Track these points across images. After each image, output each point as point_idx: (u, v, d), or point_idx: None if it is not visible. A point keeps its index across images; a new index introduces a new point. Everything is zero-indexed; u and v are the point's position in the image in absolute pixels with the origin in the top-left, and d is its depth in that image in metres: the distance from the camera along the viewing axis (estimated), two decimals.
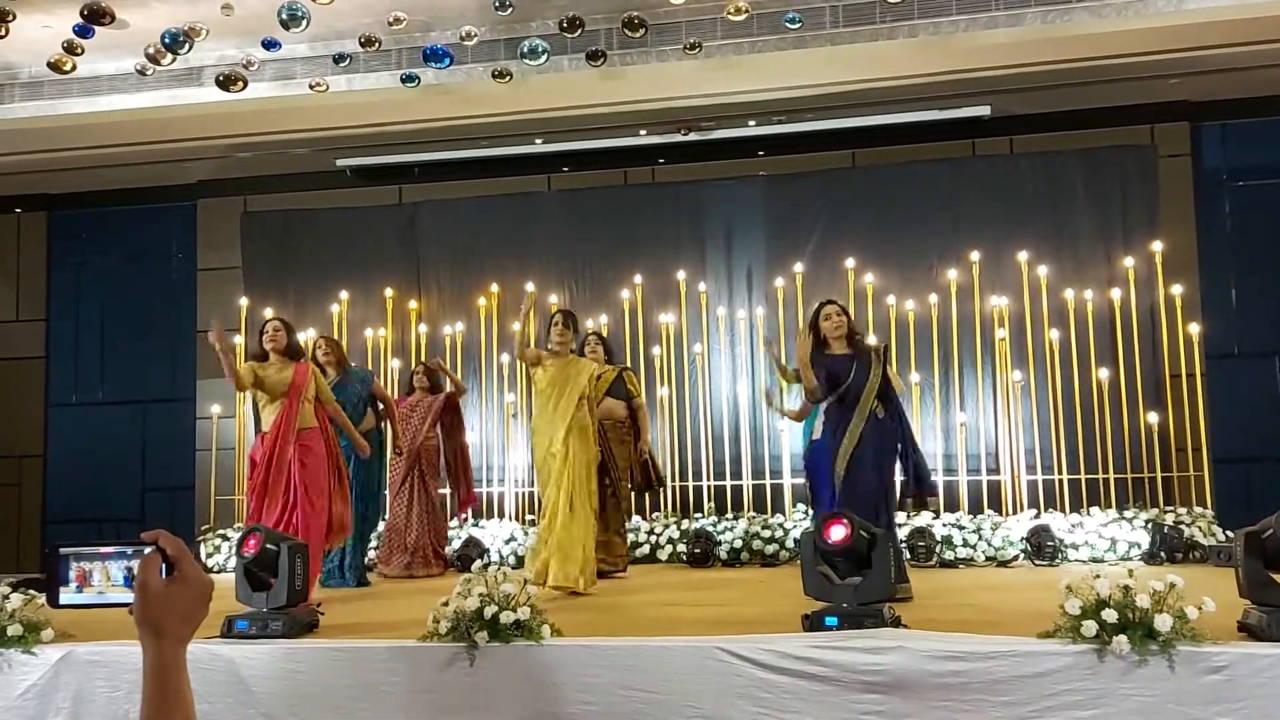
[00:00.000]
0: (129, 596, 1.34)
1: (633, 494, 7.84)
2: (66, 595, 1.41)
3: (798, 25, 7.45)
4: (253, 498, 6.30)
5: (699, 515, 8.76)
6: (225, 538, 8.77)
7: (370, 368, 9.51)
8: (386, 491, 8.01)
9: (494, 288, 9.70)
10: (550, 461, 6.32)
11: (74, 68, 7.34)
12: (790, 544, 8.01)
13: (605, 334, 8.54)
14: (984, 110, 8.83)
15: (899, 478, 6.05)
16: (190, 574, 1.32)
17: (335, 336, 7.82)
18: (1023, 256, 8.84)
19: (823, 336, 6.10)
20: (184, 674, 1.28)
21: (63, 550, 1.41)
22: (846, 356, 6.02)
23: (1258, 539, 4.06)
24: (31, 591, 4.84)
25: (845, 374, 5.96)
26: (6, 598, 4.68)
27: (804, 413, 7.14)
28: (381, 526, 8.02)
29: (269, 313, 9.56)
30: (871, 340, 6.24)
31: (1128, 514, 7.97)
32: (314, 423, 6.54)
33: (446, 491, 8.49)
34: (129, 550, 1.40)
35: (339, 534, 6.68)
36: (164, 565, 1.32)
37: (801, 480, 8.71)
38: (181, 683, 1.27)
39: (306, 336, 9.05)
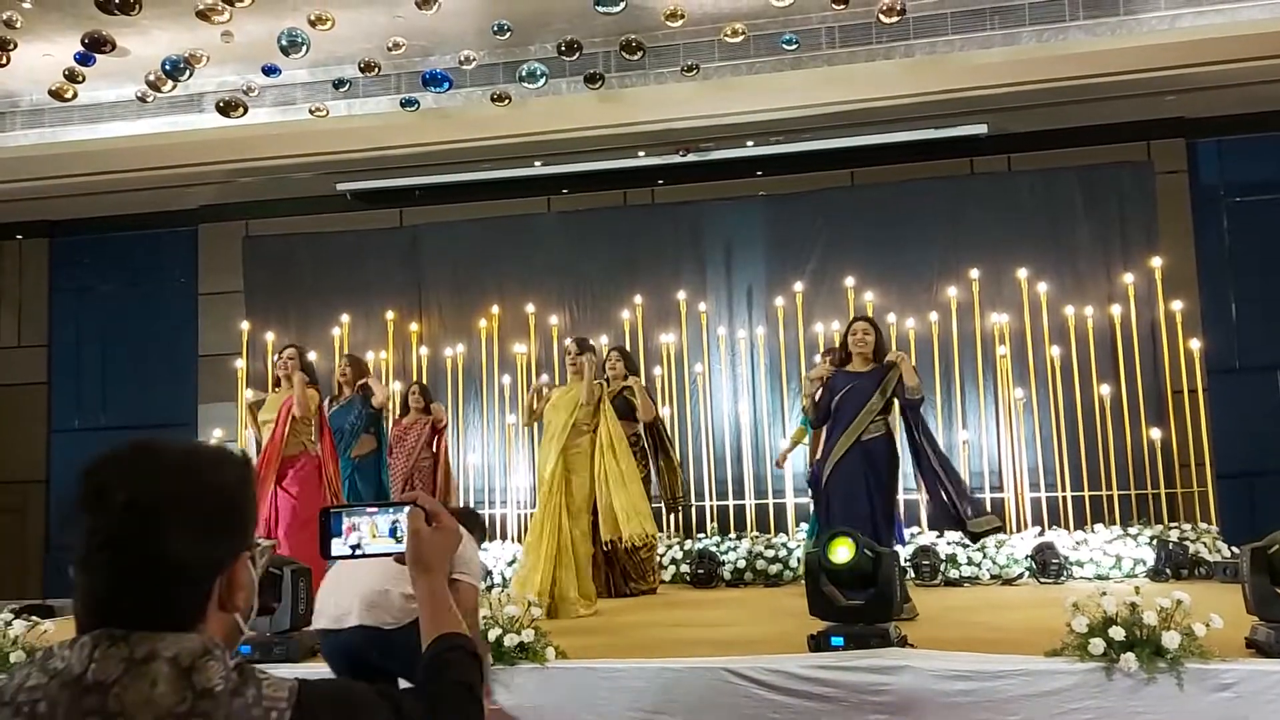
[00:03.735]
0: (391, 547, 1.64)
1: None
2: (337, 545, 1.66)
3: (794, 46, 7.49)
4: None
5: (702, 535, 8.74)
6: None
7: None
8: None
9: (495, 309, 9.71)
10: (541, 488, 6.63)
11: (75, 95, 7.38)
12: (794, 563, 7.98)
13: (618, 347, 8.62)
14: (981, 129, 8.87)
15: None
16: (447, 523, 1.62)
17: (348, 359, 7.90)
18: (1022, 274, 8.85)
19: (849, 353, 6.12)
20: (450, 596, 1.60)
21: (333, 510, 1.68)
22: (861, 374, 6.03)
23: (1264, 555, 4.05)
24: (34, 618, 4.82)
25: (845, 388, 5.98)
26: (9, 624, 4.67)
27: (799, 436, 7.26)
28: None
29: (270, 336, 9.60)
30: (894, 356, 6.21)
31: (1132, 530, 7.95)
32: (308, 449, 6.61)
33: None
34: (390, 509, 1.66)
35: None
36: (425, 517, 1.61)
37: (804, 499, 8.72)
38: (450, 601, 1.58)
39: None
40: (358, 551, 1.66)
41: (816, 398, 6.14)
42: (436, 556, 1.60)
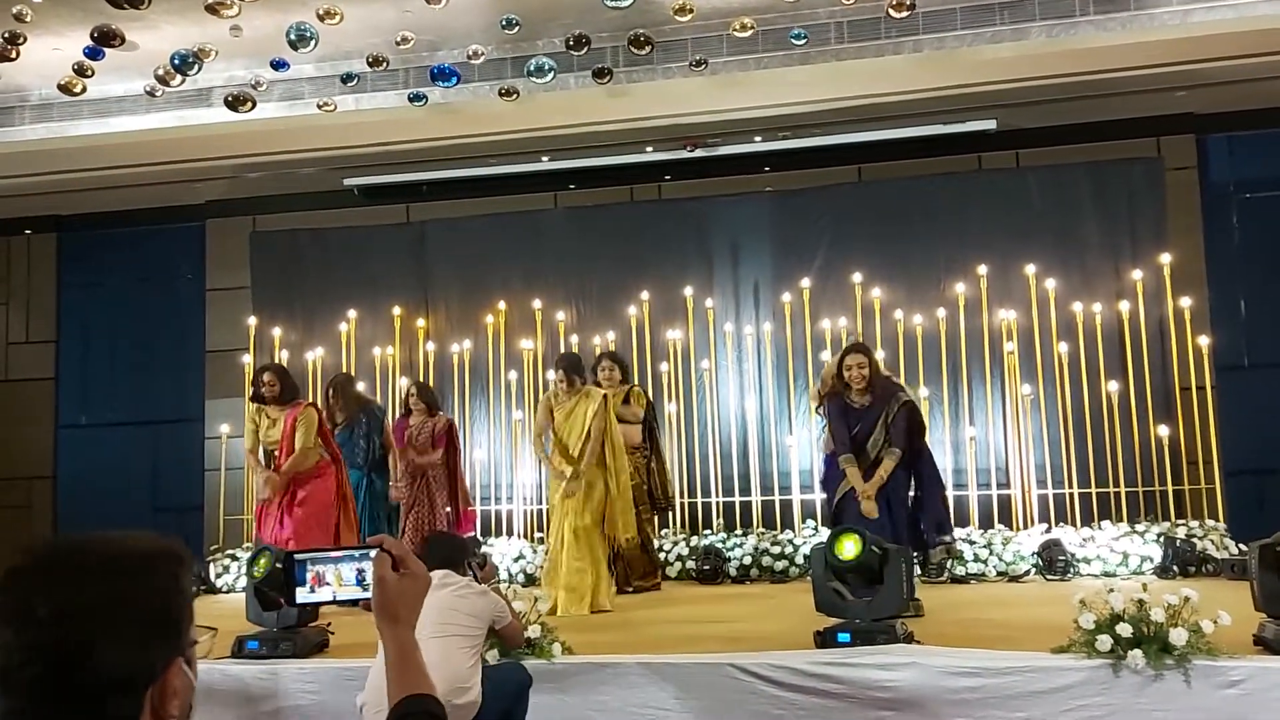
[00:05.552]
0: (358, 594, 1.58)
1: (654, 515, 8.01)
2: (302, 595, 1.59)
3: (803, 41, 7.46)
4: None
5: (708, 532, 8.73)
6: (234, 557, 8.75)
7: (377, 387, 9.54)
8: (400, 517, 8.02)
9: (501, 305, 9.71)
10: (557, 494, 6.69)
11: (84, 90, 7.39)
12: (800, 560, 7.97)
13: (614, 349, 8.65)
14: (990, 124, 8.83)
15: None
16: (416, 570, 1.54)
17: (333, 387, 8.00)
18: (1030, 270, 8.82)
19: (846, 383, 6.16)
20: (419, 650, 1.52)
21: (298, 556, 1.60)
22: (865, 407, 6.10)
23: (1272, 552, 4.04)
24: None
25: (857, 422, 6.06)
26: None
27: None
28: None
29: (277, 332, 9.64)
30: (899, 385, 6.43)
31: (1139, 527, 7.92)
32: (313, 467, 6.82)
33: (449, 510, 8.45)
34: (357, 554, 1.59)
35: None
36: (391, 563, 1.53)
37: (810, 496, 8.72)
38: (419, 657, 1.50)
39: (313, 354, 9.12)
40: (323, 599, 1.61)
41: (828, 432, 6.36)
42: (405, 606, 1.52)
